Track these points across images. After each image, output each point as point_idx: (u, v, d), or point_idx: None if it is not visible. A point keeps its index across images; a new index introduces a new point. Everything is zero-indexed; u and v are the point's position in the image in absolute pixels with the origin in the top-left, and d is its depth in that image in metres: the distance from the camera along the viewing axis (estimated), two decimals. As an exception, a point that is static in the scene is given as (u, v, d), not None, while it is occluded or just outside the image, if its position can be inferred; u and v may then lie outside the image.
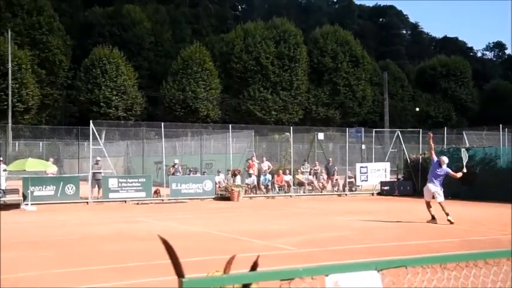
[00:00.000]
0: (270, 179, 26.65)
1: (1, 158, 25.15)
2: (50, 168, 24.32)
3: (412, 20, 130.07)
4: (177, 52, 60.12)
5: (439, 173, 14.72)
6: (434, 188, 14.58)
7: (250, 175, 26.42)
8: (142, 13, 66.29)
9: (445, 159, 14.96)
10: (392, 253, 10.23)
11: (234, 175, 26.10)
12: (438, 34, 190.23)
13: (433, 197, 14.60)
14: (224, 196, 24.55)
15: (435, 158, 15.08)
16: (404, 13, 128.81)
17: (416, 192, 26.05)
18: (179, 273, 2.11)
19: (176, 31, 70.87)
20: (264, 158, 28.40)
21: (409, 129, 35.84)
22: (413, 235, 12.99)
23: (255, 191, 26.24)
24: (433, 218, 14.51)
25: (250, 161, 27.22)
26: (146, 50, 64.98)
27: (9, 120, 46.63)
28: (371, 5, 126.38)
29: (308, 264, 6.43)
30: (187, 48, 58.86)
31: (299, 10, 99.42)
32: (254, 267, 2.37)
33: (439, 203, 14.51)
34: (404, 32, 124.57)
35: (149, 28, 65.97)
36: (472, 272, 2.84)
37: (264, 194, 26.23)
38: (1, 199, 20.51)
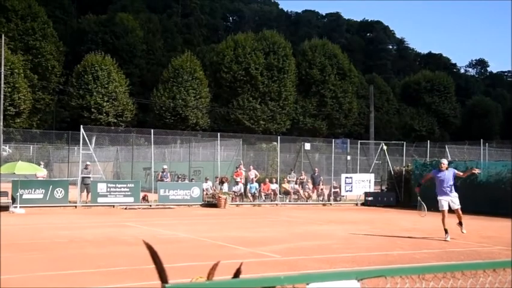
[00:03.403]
0: (257, 187, 27.17)
1: (-8, 161, 25.54)
2: (40, 171, 24.56)
3: (398, 35, 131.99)
4: (168, 61, 60.69)
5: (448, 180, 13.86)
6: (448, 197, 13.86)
7: (237, 183, 26.92)
8: (135, 21, 66.82)
9: (444, 161, 14.51)
10: (375, 263, 10.36)
11: (222, 182, 26.62)
12: (423, 50, 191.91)
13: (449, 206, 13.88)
14: (211, 203, 24.99)
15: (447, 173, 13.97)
16: (391, 28, 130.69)
17: (400, 203, 26.82)
18: (163, 278, 2.15)
19: (168, 40, 71.49)
20: (251, 167, 28.96)
21: (393, 142, 36.58)
22: (397, 245, 13.16)
23: (241, 199, 26.73)
24: (446, 231, 13.87)
25: (237, 169, 27.76)
26: (138, 57, 65.46)
27: (1, 124, 46.76)
28: (359, 20, 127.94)
29: (290, 272, 6.96)
30: (178, 57, 59.48)
31: (289, 23, 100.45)
32: (237, 274, 2.41)
33: (457, 210, 13.89)
34: (390, 47, 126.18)
35: (141, 36, 66.50)
36: (449, 283, 2.93)
37: (251, 201, 26.73)
38: (-9, 201, 20.74)
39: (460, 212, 13.85)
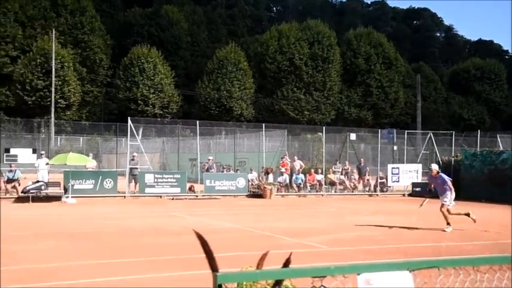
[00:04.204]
0: (303, 178, 27.08)
1: (43, 152, 26.34)
2: (90, 162, 25.20)
3: (446, 22, 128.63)
4: (212, 52, 61.07)
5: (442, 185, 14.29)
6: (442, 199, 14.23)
7: (282, 173, 26.92)
8: (179, 14, 67.43)
9: (434, 166, 14.87)
10: (423, 254, 10.19)
11: (267, 173, 26.66)
12: (473, 37, 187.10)
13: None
14: (256, 193, 25.07)
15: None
16: (439, 15, 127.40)
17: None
18: (213, 267, 2.15)
19: (212, 32, 71.86)
20: (296, 157, 28.88)
21: (441, 132, 35.79)
22: (445, 237, 12.91)
23: (287, 189, 26.72)
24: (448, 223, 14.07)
25: (283, 160, 27.73)
26: (183, 49, 66.07)
27: (52, 116, 48.19)
28: (405, 7, 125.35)
29: (340, 263, 6.92)
30: (222, 48, 59.82)
31: (333, 12, 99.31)
32: (286, 263, 2.39)
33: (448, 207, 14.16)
34: (438, 34, 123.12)
35: (186, 28, 67.06)
36: (506, 275, 2.87)
37: (296, 192, 26.68)
38: (44, 191, 21.40)
39: (446, 211, 13.97)
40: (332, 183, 27.95)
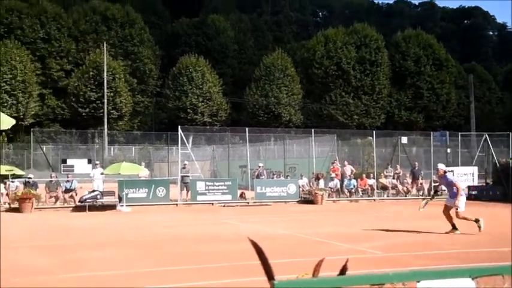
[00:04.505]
0: (355, 184, 26.76)
1: (98, 162, 27.02)
2: (142, 171, 25.67)
3: (499, 20, 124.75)
4: (259, 59, 61.35)
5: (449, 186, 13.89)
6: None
7: (332, 179, 26.69)
8: (226, 22, 68.08)
9: (441, 166, 14.35)
10: (483, 260, 9.63)
11: (317, 179, 26.47)
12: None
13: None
14: (307, 199, 24.90)
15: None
16: (491, 14, 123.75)
17: (507, 197, 25.36)
18: (270, 275, 2.11)
19: (258, 39, 72.18)
20: (346, 162, 28.57)
21: (497, 133, 34.68)
22: (505, 242, 12.13)
23: (338, 195, 26.46)
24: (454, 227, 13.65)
25: (333, 165, 27.50)
26: (230, 57, 66.64)
27: (105, 127, 49.49)
28: (454, 7, 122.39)
29: (398, 269, 6.75)
30: (269, 55, 60.05)
31: (380, 14, 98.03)
32: (343, 271, 2.33)
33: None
34: (490, 33, 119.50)
35: (233, 36, 67.63)
36: None
37: (348, 197, 26.38)
38: (99, 200, 21.90)
39: (455, 214, 13.55)
40: (384, 188, 27.50)
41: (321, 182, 26.26)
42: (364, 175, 27.36)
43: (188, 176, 24.79)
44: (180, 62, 56.76)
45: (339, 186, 26.59)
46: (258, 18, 77.17)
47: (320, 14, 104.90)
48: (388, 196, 27.16)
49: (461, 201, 13.57)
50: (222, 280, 8.26)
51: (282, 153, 33.32)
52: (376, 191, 26.82)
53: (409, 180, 28.20)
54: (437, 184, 15.72)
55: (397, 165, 29.09)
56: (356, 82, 58.92)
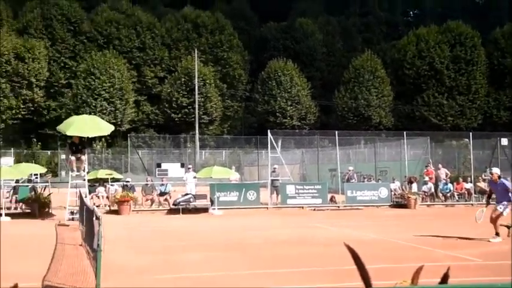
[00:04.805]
0: (451, 188, 25.74)
1: (190, 166, 27.76)
2: (233, 175, 26.12)
3: None
4: (348, 61, 60.63)
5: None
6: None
7: (426, 182, 25.83)
8: (314, 25, 67.86)
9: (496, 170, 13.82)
10: None
11: (410, 182, 25.72)
12: None
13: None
14: (400, 203, 24.28)
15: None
16: None
17: None
18: (366, 281, 2.06)
19: (347, 41, 71.30)
20: (440, 165, 27.56)
21: None
22: None
23: (432, 199, 25.58)
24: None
25: (427, 168, 26.62)
26: (318, 60, 66.34)
27: (197, 131, 50.89)
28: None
29: (503, 278, 6.35)
30: (358, 57, 59.18)
31: (476, 11, 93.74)
32: (445, 279, 2.21)
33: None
34: None
35: (321, 39, 67.29)
36: None
37: (443, 202, 25.45)
38: (192, 203, 22.48)
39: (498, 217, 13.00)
40: (482, 192, 26.18)
41: (414, 185, 25.50)
42: (460, 179, 26.28)
43: (278, 180, 24.89)
44: (268, 66, 57.28)
45: (433, 190, 25.70)
46: (346, 20, 76.22)
47: (411, 13, 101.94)
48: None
49: (509, 208, 13.11)
50: (314, 284, 8.23)
51: (373, 156, 32.68)
52: (473, 195, 25.66)
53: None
54: (488, 189, 14.98)
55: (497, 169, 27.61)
56: (450, 82, 56.70)
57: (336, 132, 27.29)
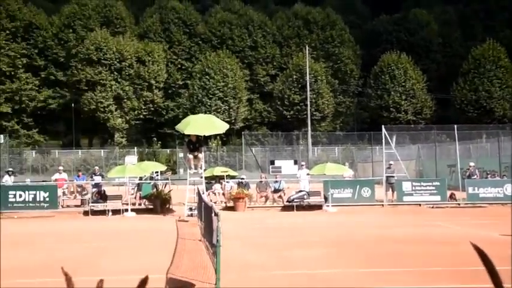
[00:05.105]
0: None
1: (303, 163, 27.80)
2: (347, 172, 25.78)
3: None
4: (467, 51, 57.72)
5: None
6: None
7: (558, 179, 23.88)
8: (429, 16, 65.39)
9: None
10: None
11: (539, 179, 23.93)
12: None
13: None
14: (528, 201, 22.66)
15: None
16: None
17: None
18: (497, 284, 1.95)
19: (465, 29, 67.83)
20: None
21: None
22: None
23: None
24: None
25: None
26: (434, 52, 63.83)
27: (309, 128, 50.98)
28: None
29: None
30: (478, 46, 56.10)
31: None
32: None
33: None
34: None
35: (436, 30, 64.67)
36: None
37: None
38: (306, 200, 22.46)
39: None
40: None
41: (545, 182, 23.64)
42: None
43: (393, 177, 24.23)
44: (381, 60, 56.09)
45: None
46: (464, 8, 72.50)
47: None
48: None
49: None
50: (436, 285, 7.92)
51: (496, 151, 30.81)
52: None
53: None
54: None
55: None
56: None
57: (455, 126, 26.03)
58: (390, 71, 54.82)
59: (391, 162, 25.09)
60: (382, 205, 23.07)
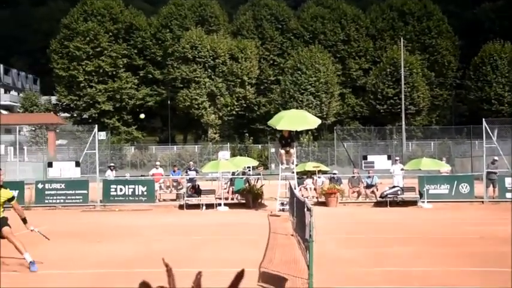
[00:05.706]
0: None
1: (397, 158, 27.10)
2: (444, 167, 24.86)
3: None
4: None
5: None
6: None
7: None
8: (535, 1, 61.42)
9: None
10: None
11: None
12: None
13: None
14: None
15: None
16: None
17: None
18: None
19: None
20: None
21: None
22: None
23: None
24: None
25: None
26: (541, 40, 59.86)
27: (403, 122, 49.66)
28: None
29: None
30: None
31: None
32: None
33: None
34: None
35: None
36: None
37: None
38: (400, 196, 21.92)
39: None
40: None
41: None
42: None
43: (495, 172, 23.04)
44: (482, 50, 53.44)
45: None
46: None
47: None
48: None
49: None
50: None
51: None
52: None
53: None
54: None
55: None
56: None
57: None
58: (492, 61, 52.14)
59: (496, 157, 23.89)
60: (482, 202, 22.10)
